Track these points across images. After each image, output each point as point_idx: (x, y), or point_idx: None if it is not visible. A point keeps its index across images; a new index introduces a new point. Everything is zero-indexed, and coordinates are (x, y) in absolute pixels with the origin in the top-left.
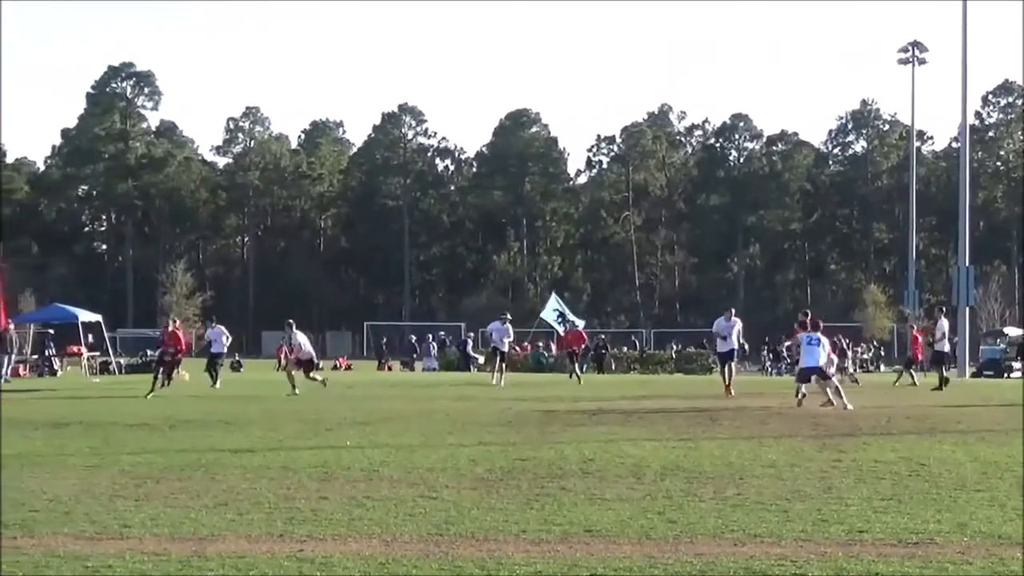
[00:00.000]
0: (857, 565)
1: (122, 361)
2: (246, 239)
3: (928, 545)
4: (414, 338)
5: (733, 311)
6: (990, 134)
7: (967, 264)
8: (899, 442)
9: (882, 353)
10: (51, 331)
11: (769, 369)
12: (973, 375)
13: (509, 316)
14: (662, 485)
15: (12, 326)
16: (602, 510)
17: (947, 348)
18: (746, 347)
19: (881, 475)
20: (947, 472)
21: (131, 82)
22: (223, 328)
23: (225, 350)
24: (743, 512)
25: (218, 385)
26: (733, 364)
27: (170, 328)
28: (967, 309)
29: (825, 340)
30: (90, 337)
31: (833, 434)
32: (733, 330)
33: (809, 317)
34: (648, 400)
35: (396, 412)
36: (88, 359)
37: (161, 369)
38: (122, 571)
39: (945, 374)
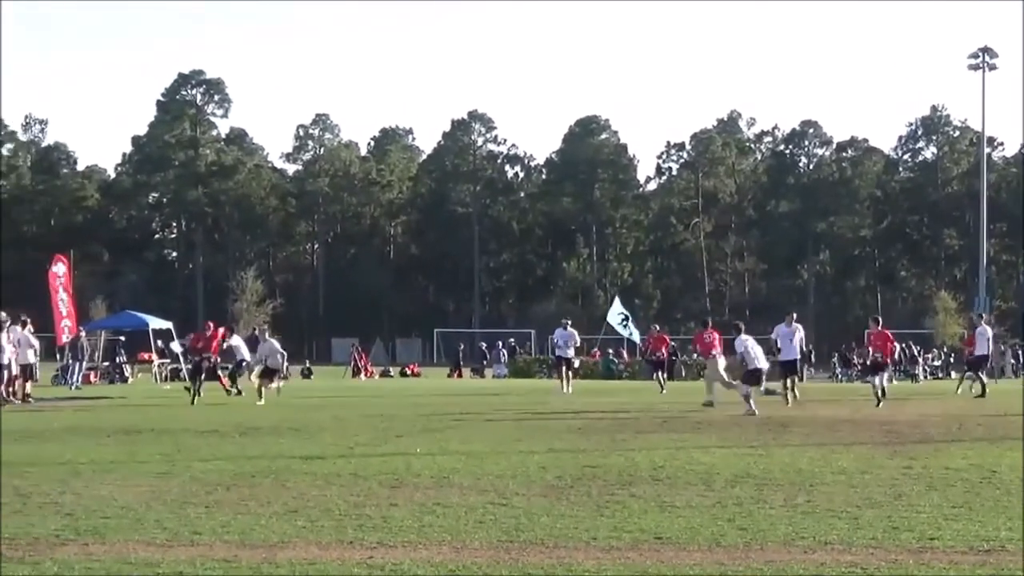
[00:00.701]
0: (928, 572)
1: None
2: (316, 246)
3: (999, 552)
4: (484, 345)
5: (794, 316)
6: None
7: None
8: (970, 449)
9: (952, 360)
10: (122, 338)
11: (839, 375)
12: None
13: (570, 321)
14: (732, 492)
15: (83, 333)
16: (672, 517)
17: (985, 353)
18: (811, 353)
19: (952, 482)
20: (1018, 479)
21: (201, 89)
22: (275, 343)
23: (282, 367)
24: (813, 519)
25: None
26: (795, 374)
27: (209, 332)
28: None
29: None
30: (160, 343)
31: (904, 441)
32: (795, 337)
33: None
34: (718, 407)
35: (466, 419)
36: (159, 366)
37: (201, 377)
38: None
39: (984, 381)
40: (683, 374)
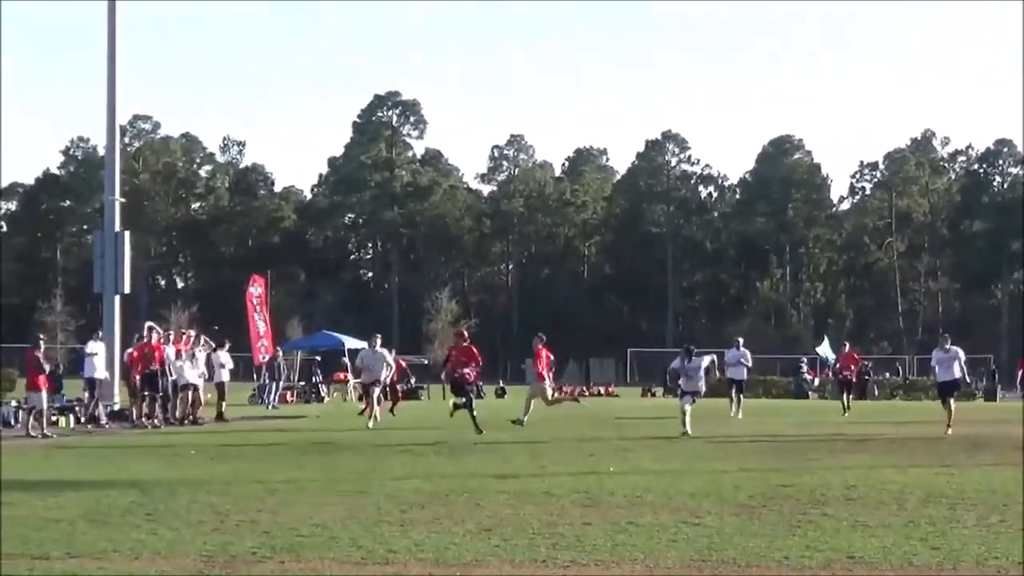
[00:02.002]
0: None
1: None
2: (510, 266)
3: None
4: None
5: (948, 339)
6: None
7: None
8: None
9: None
10: (318, 358)
11: None
12: None
13: (741, 340)
14: (925, 512)
15: (280, 353)
16: (864, 537)
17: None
18: (995, 373)
19: None
20: None
21: (397, 111)
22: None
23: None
24: (1007, 539)
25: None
26: (950, 396)
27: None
28: None
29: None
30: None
31: None
32: (954, 362)
33: None
34: (911, 426)
35: (659, 438)
36: (354, 385)
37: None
38: None
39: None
40: (875, 393)
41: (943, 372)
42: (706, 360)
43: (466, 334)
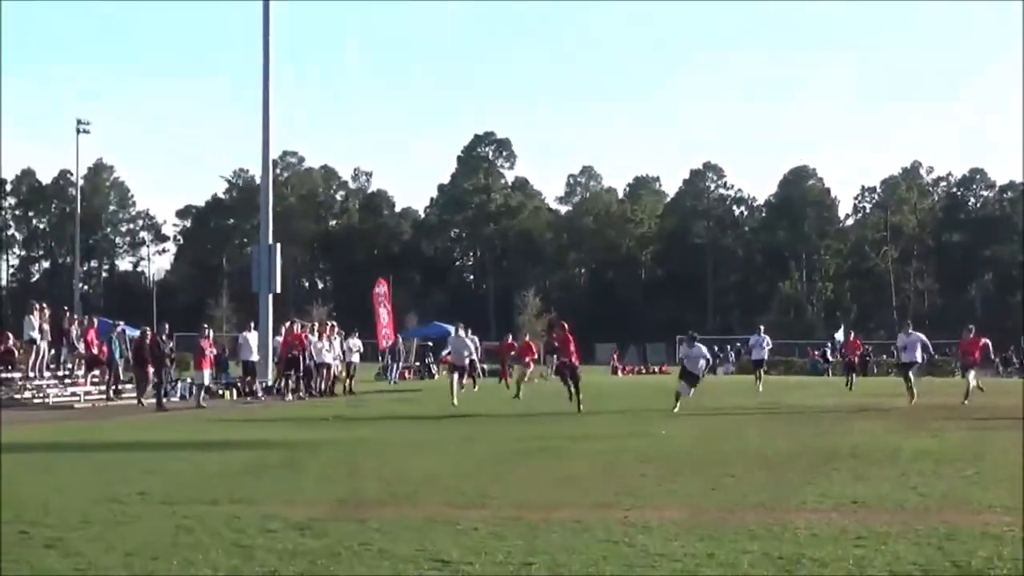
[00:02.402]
0: None
1: (485, 367)
2: (583, 270)
3: None
4: (716, 348)
5: (910, 325)
6: None
7: None
8: None
9: None
10: (430, 343)
11: (1001, 373)
12: None
13: (763, 327)
14: (914, 466)
15: (400, 340)
16: (865, 486)
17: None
18: (933, 357)
19: None
20: None
21: (492, 147)
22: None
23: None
24: (980, 488)
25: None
26: (912, 373)
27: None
28: None
29: None
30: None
31: None
32: (917, 344)
33: None
34: (902, 398)
35: (699, 409)
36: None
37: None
38: (485, 533)
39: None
40: (875, 371)
41: (907, 354)
42: (705, 351)
43: (566, 325)
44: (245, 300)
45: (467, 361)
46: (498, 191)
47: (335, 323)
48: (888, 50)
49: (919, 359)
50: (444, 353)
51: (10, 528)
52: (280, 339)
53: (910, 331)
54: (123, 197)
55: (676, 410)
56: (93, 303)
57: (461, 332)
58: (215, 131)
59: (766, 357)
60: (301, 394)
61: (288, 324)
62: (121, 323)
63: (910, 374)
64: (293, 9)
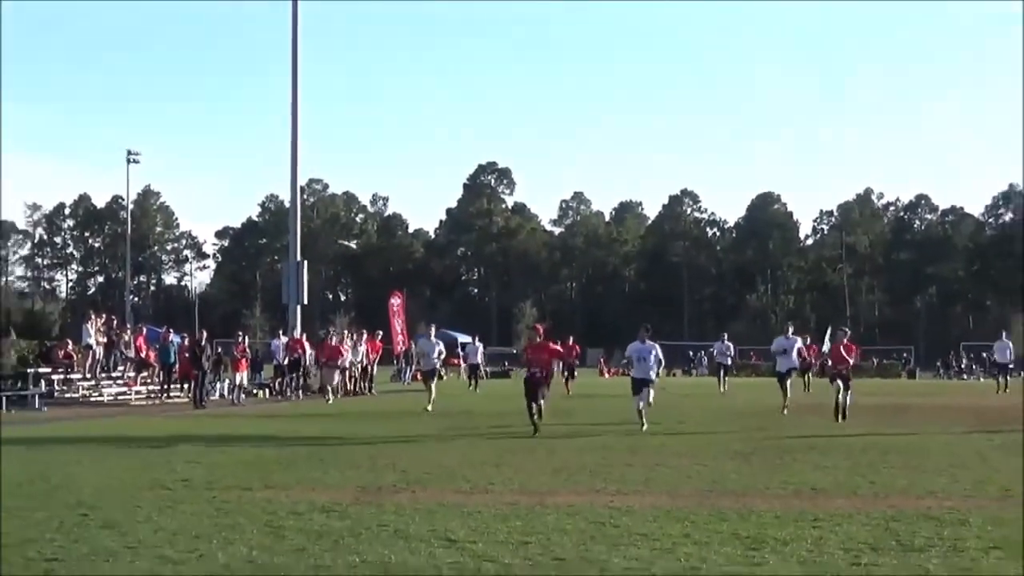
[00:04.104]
0: (1007, 515)
1: (488, 369)
2: (574, 284)
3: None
4: (691, 353)
5: (791, 329)
6: None
7: None
8: None
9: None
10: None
11: (942, 375)
12: None
13: (726, 335)
14: (864, 457)
15: (412, 345)
16: (823, 474)
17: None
18: (809, 360)
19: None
20: None
21: (494, 175)
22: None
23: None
24: (923, 476)
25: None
26: (789, 381)
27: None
28: None
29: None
30: (463, 351)
31: (988, 421)
32: (793, 347)
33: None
34: (858, 398)
35: (684, 403)
36: (465, 368)
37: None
38: (488, 515)
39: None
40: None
41: (782, 359)
42: (658, 350)
43: (540, 329)
44: (276, 310)
45: (434, 363)
46: (499, 214)
47: (380, 331)
48: (849, 75)
49: (795, 365)
50: (461, 358)
51: (71, 511)
52: (321, 344)
53: (791, 333)
54: (168, 219)
55: (646, 428)
56: (142, 313)
57: (432, 336)
58: (250, 162)
59: (730, 363)
60: (328, 396)
61: (324, 332)
62: (172, 333)
63: (785, 383)
64: (319, 60)
